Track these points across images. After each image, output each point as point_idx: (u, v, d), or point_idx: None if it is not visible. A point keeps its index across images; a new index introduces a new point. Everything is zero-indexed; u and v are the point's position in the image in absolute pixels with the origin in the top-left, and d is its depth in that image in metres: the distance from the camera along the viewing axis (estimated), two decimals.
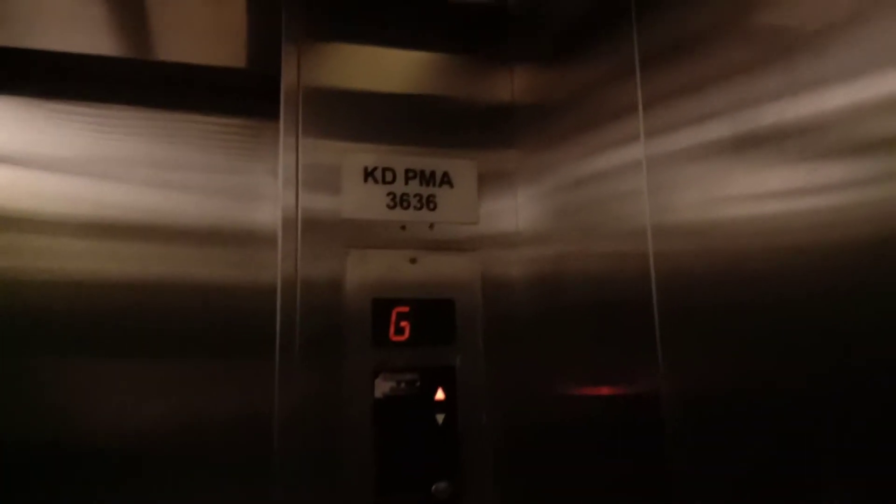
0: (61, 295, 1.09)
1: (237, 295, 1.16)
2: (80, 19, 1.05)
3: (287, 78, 1.08)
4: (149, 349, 1.12)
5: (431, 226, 1.10)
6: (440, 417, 1.06)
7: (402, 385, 1.05)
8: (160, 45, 1.09)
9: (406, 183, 1.09)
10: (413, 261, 1.08)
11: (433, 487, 1.03)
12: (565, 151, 1.03)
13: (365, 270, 1.06)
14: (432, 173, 1.11)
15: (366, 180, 1.08)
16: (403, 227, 1.08)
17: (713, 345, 0.69)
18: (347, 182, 1.07)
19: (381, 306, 1.05)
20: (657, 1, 0.79)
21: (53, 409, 1.08)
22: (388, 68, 1.13)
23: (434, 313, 1.07)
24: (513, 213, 1.14)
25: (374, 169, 1.08)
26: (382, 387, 1.04)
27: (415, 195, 1.09)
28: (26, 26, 1.04)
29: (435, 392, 1.06)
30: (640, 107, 0.82)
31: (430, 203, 1.10)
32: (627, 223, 0.86)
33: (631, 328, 0.87)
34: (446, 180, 1.11)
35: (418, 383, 1.05)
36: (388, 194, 1.08)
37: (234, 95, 1.18)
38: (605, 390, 0.99)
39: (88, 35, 1.06)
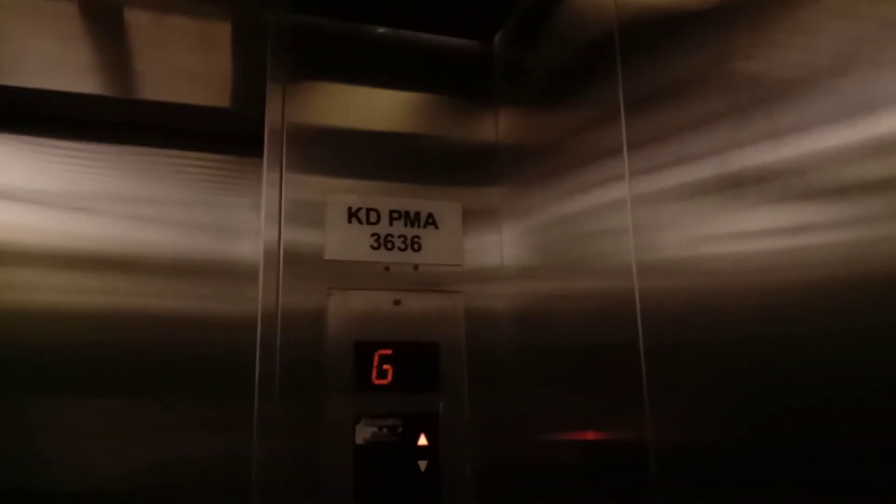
0: (32, 327, 1.07)
1: (215, 329, 1.14)
2: (65, 60, 1.06)
3: (271, 116, 1.08)
4: (124, 384, 1.09)
5: (416, 267, 1.09)
6: (423, 464, 1.03)
7: (384, 431, 1.02)
8: (144, 84, 1.09)
9: (391, 224, 1.09)
10: (397, 302, 1.06)
11: None
12: (550, 190, 1.04)
13: (347, 311, 1.04)
14: (417, 214, 1.10)
15: (350, 220, 1.07)
16: (387, 269, 1.07)
17: (699, 385, 0.68)
18: (331, 222, 1.06)
19: (364, 349, 1.03)
20: (641, 50, 0.81)
21: (20, 448, 1.03)
22: (373, 107, 1.14)
23: (418, 357, 1.05)
24: (497, 249, 1.14)
25: (359, 209, 1.08)
26: (364, 432, 1.01)
27: (399, 236, 1.09)
28: (12, 65, 1.04)
29: (418, 438, 1.03)
30: (625, 148, 0.83)
31: (414, 244, 1.09)
32: (612, 261, 0.86)
33: (616, 368, 0.86)
34: (431, 221, 1.11)
35: (400, 429, 1.03)
36: (373, 235, 1.08)
37: (216, 133, 1.18)
38: (590, 435, 0.98)
39: (72, 75, 1.06)
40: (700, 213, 0.69)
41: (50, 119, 1.13)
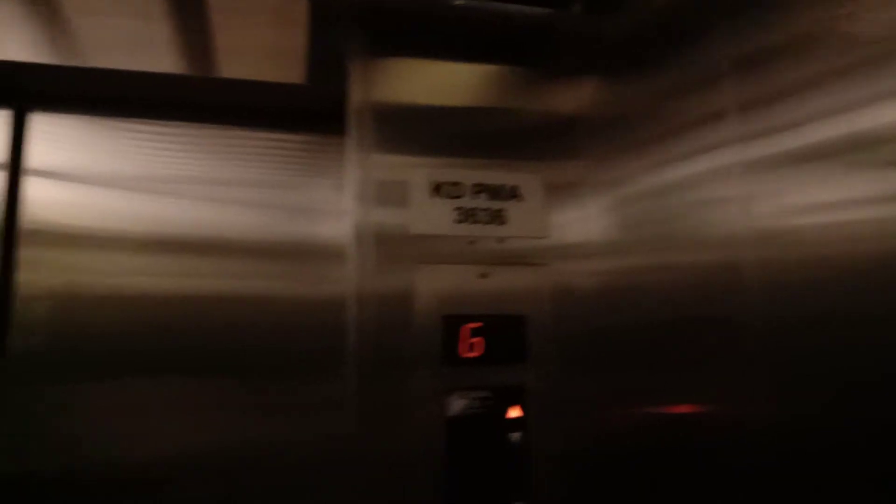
0: (121, 311, 1.10)
1: (300, 310, 1.15)
2: (142, 39, 1.07)
3: (354, 94, 1.08)
4: (212, 366, 1.12)
5: (501, 240, 1.08)
6: (514, 437, 1.03)
7: (475, 404, 1.02)
8: (223, 62, 1.10)
9: (474, 197, 1.08)
10: (483, 276, 1.06)
11: None
12: (640, 161, 1.01)
13: (434, 286, 1.04)
14: (500, 187, 1.09)
15: (433, 195, 1.07)
16: (472, 242, 1.07)
17: (811, 358, 0.66)
18: (415, 197, 1.06)
19: (452, 323, 1.03)
20: (744, 7, 0.77)
21: (116, 426, 1.08)
22: (452, 82, 1.12)
23: (506, 330, 1.05)
24: (583, 225, 1.12)
25: (442, 184, 1.07)
26: (454, 405, 1.02)
27: (483, 209, 1.08)
28: (96, 46, 1.06)
29: (508, 410, 1.03)
30: (731, 112, 0.80)
31: (498, 217, 1.08)
32: (714, 231, 0.83)
33: (714, 342, 0.83)
34: (515, 194, 1.09)
35: (491, 402, 1.03)
36: (457, 209, 1.07)
37: (296, 112, 1.19)
38: (685, 409, 0.96)
39: (150, 54, 1.08)
40: (817, 178, 0.66)
41: (133, 101, 1.15)
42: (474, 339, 1.03)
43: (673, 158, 0.93)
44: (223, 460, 1.10)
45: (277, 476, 1.11)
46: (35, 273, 1.09)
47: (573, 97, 1.15)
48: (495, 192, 1.09)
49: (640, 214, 1.02)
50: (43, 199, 1.11)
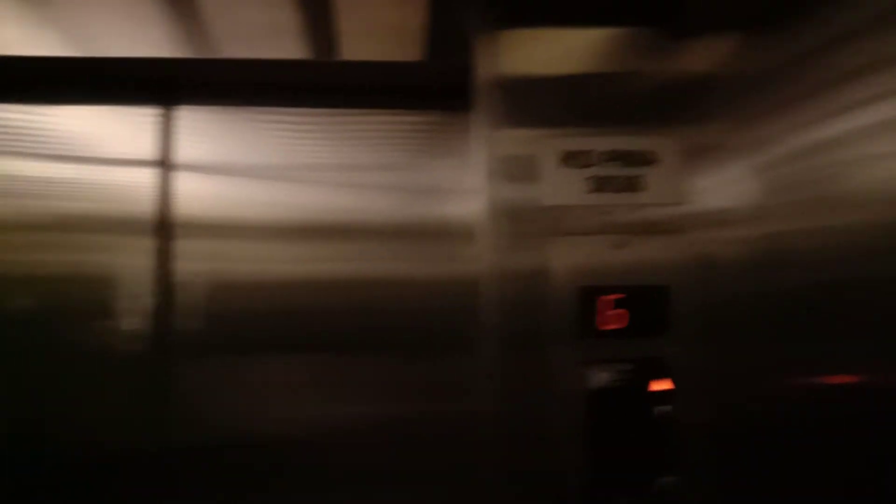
0: (265, 295, 1.16)
1: (433, 291, 1.17)
2: (273, 28, 1.11)
3: (480, 68, 1.07)
4: (351, 347, 1.16)
5: (637, 208, 1.04)
6: (658, 410, 1.00)
7: (615, 376, 1.00)
8: (346, 45, 1.12)
9: (607, 165, 1.05)
10: (619, 246, 1.03)
11: (657, 483, 0.98)
12: (787, 120, 0.94)
13: (569, 258, 1.02)
14: (634, 153, 1.05)
15: (564, 166, 1.04)
16: (607, 212, 1.04)
17: None
18: (545, 169, 1.04)
19: (589, 294, 1.01)
20: None
21: (260, 404, 1.14)
22: (579, 49, 1.09)
23: (646, 300, 1.01)
24: (725, 190, 1.06)
25: (573, 153, 1.05)
26: (594, 378, 1.00)
27: (617, 177, 1.04)
28: (229, 36, 1.10)
29: (650, 383, 1.01)
30: (892, 62, 0.72)
31: (633, 184, 1.04)
32: (878, 189, 0.76)
33: (881, 306, 0.77)
34: (648, 159, 1.05)
35: (632, 374, 1.00)
36: (589, 178, 1.04)
37: (421, 90, 1.19)
38: (842, 380, 0.90)
39: (281, 42, 1.11)
40: None
41: (268, 89, 1.20)
42: (614, 311, 1.01)
43: (824, 115, 0.86)
44: (363, 435, 1.14)
45: (417, 451, 1.14)
46: (188, 262, 1.16)
47: (708, 56, 1.08)
48: (628, 158, 1.05)
49: (787, 177, 0.95)
50: (191, 192, 1.18)
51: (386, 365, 1.16)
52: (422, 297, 1.17)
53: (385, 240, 1.19)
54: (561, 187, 1.04)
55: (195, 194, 1.18)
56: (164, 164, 1.18)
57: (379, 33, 1.12)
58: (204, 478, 1.12)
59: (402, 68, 1.13)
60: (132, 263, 1.15)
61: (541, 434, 1.00)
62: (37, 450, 1.12)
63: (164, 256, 1.16)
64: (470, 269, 1.14)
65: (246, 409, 1.14)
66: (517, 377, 1.01)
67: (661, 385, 1.01)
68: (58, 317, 1.13)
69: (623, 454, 1.00)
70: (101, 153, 1.17)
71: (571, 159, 1.05)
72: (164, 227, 1.16)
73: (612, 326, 1.01)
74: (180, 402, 1.13)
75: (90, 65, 1.11)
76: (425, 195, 1.20)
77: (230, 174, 1.19)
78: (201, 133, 1.19)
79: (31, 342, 1.12)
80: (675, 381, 1.01)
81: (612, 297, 1.01)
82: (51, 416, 1.12)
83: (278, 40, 1.11)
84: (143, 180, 1.17)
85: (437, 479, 1.14)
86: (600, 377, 1.00)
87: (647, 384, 1.01)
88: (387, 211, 1.19)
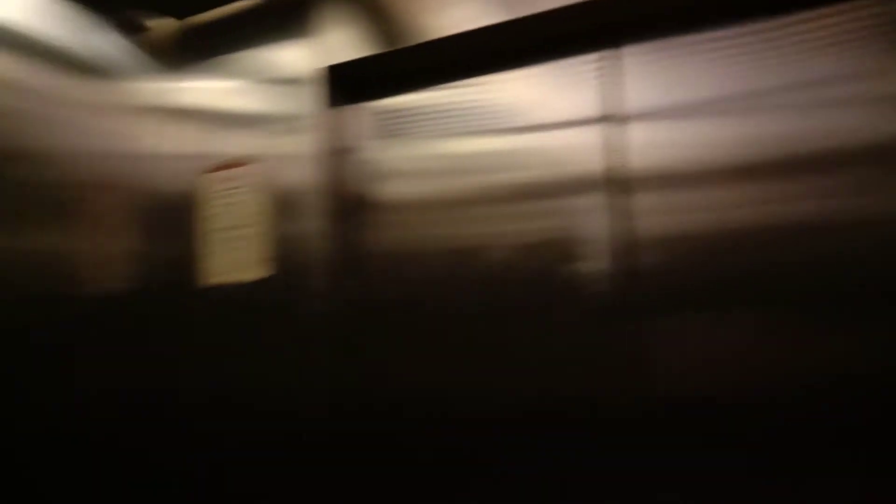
0: (727, 245, 1.02)
1: None
2: None
3: None
4: (819, 297, 0.96)
5: None
6: None
7: None
8: None
9: None
10: None
11: None
12: None
13: None
14: None
15: None
16: None
17: None
18: None
19: None
20: None
21: (719, 356, 1.00)
22: None
23: None
24: None
25: None
26: None
27: None
28: None
29: None
30: None
31: None
32: None
33: None
34: None
35: None
36: None
37: None
38: None
39: None
40: None
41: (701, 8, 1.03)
42: None
43: None
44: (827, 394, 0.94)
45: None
46: (650, 218, 1.05)
47: None
48: None
49: None
50: (643, 142, 1.06)
51: (869, 317, 0.93)
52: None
53: (872, 166, 0.89)
54: None
55: (647, 144, 1.06)
56: (615, 116, 1.08)
57: None
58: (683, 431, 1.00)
59: None
60: (592, 224, 1.08)
61: None
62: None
63: (621, 215, 1.06)
64: None
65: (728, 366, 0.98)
66: None
67: None
68: (529, 283, 1.12)
69: None
70: (548, 117, 1.13)
71: None
72: (619, 183, 1.07)
73: None
74: (652, 361, 1.03)
75: (533, 24, 1.07)
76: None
77: (681, 117, 1.05)
78: (650, 77, 1.06)
79: (508, 307, 1.13)
80: None
81: None
82: (532, 377, 1.11)
83: None
84: (592, 136, 1.09)
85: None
86: None
87: None
88: (867, 128, 0.89)
